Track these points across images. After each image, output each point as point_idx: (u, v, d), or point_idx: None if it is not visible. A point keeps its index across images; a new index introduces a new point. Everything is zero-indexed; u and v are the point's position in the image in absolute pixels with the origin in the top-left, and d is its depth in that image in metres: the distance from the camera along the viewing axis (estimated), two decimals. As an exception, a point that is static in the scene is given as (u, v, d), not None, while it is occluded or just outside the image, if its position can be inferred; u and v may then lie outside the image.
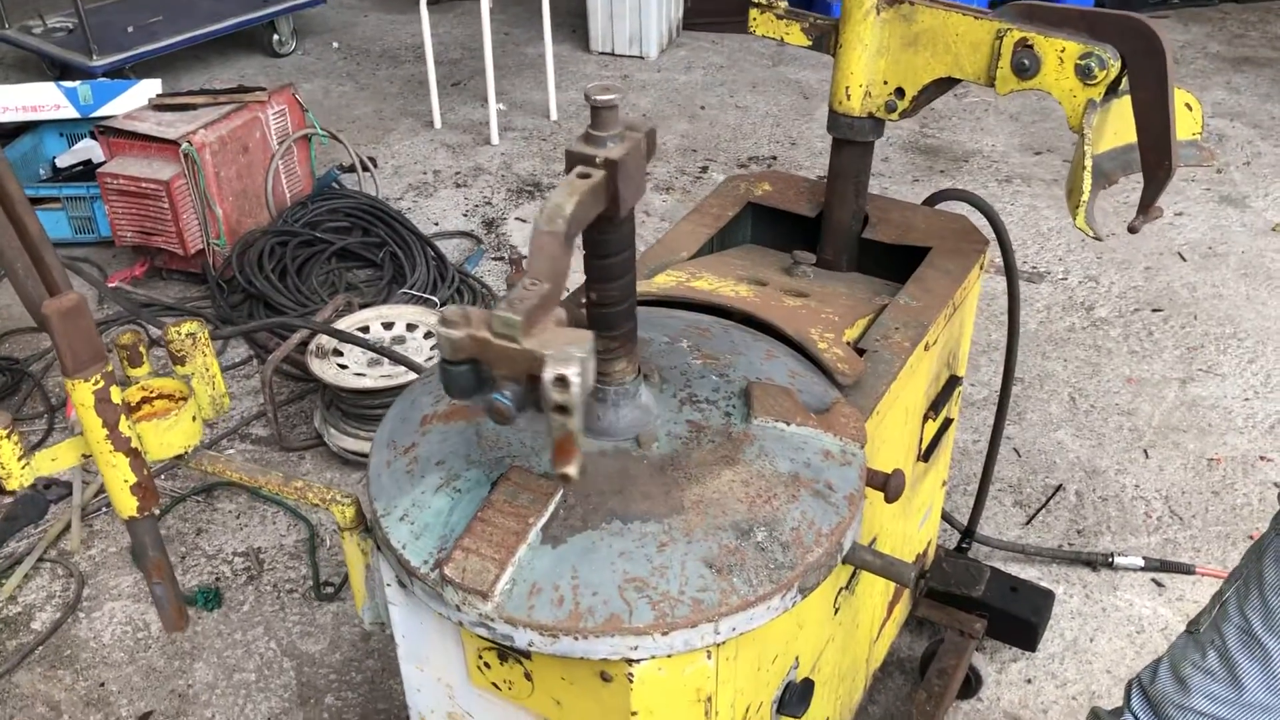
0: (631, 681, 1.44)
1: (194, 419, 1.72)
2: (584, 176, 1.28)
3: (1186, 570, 3.15)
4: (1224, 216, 5.04)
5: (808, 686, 1.82)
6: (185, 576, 3.16)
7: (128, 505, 1.68)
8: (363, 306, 3.85)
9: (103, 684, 2.86)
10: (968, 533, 3.02)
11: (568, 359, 1.14)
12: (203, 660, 2.92)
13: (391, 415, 1.73)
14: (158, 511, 3.38)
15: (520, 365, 1.18)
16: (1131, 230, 1.90)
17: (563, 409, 1.16)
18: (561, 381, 1.13)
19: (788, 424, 1.62)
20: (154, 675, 2.88)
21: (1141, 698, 1.88)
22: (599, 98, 1.28)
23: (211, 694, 2.83)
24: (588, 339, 1.16)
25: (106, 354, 1.54)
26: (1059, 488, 3.47)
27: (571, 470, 1.22)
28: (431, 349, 3.58)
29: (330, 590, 3.11)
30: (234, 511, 3.40)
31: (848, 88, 2.04)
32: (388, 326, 3.67)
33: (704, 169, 5.55)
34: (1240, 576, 1.72)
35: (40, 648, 2.95)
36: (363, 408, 3.46)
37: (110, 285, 4.49)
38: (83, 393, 1.53)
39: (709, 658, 1.46)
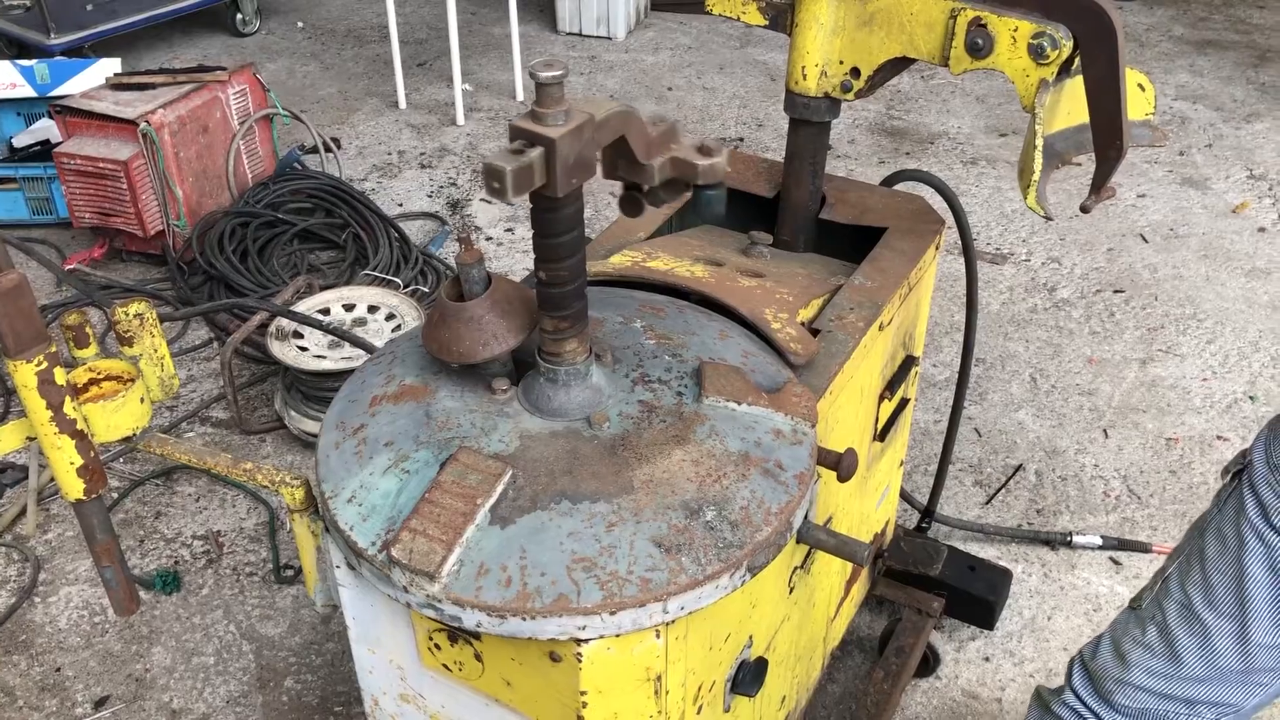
0: (580, 661, 1.44)
1: (142, 400, 1.70)
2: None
3: (1143, 549, 3.18)
4: (1185, 198, 5.08)
5: (761, 665, 1.83)
6: (144, 560, 3.14)
7: (74, 488, 1.66)
8: (324, 288, 3.82)
9: (59, 669, 2.84)
10: (927, 512, 3.04)
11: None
12: (161, 644, 2.90)
13: (341, 396, 1.71)
14: (115, 495, 3.34)
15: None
16: (1084, 210, 1.91)
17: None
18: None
19: (739, 403, 1.62)
20: (111, 660, 2.86)
21: (1083, 673, 1.89)
22: (544, 74, 1.27)
23: (170, 678, 2.82)
24: None
25: (50, 335, 1.52)
26: (1019, 468, 3.50)
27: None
28: (393, 331, 3.56)
29: (290, 573, 3.09)
30: (193, 495, 3.37)
31: (804, 67, 2.03)
32: (349, 308, 3.64)
33: (670, 150, 5.52)
34: (1182, 553, 1.73)
35: (-5, 633, 2.93)
36: (323, 390, 3.43)
37: (68, 267, 4.43)
38: (25, 374, 1.52)
39: (658, 637, 1.46)
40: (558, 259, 1.48)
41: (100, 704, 2.76)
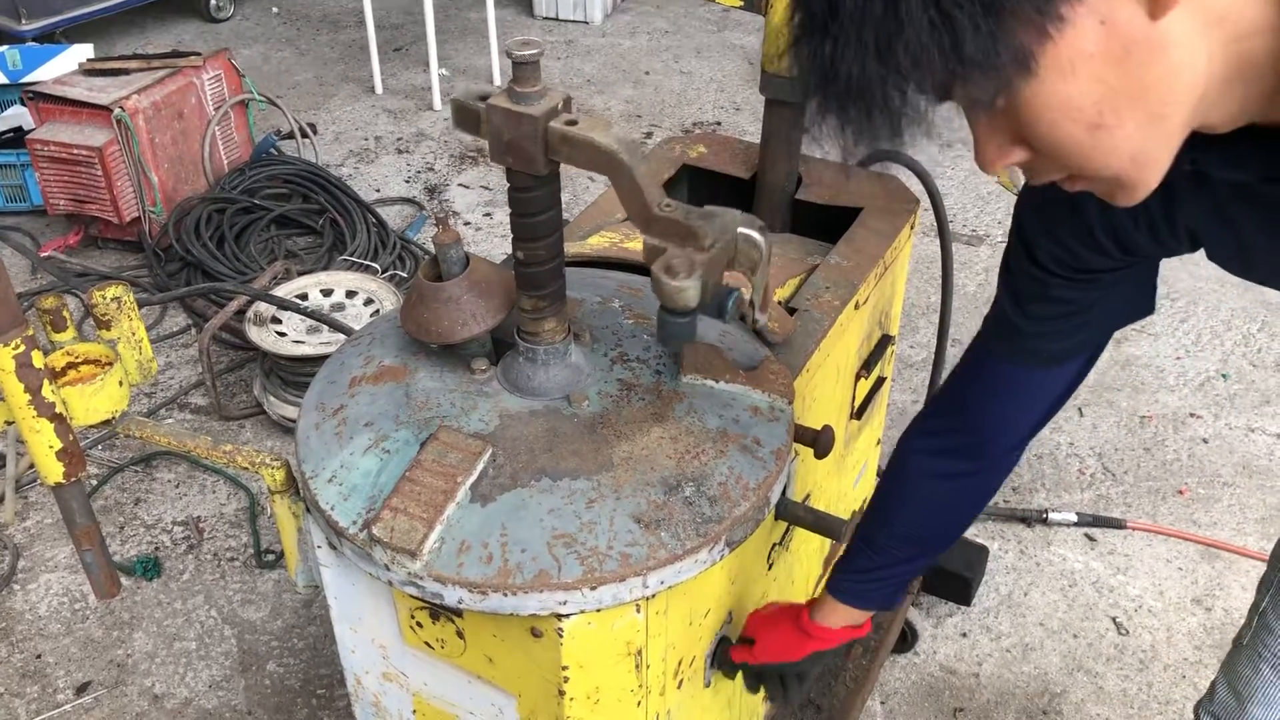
0: (561, 636, 1.45)
1: (120, 384, 1.70)
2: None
3: (1118, 525, 3.22)
4: (1159, 179, 5.11)
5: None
6: (124, 547, 3.14)
7: (54, 471, 1.66)
8: (302, 273, 3.82)
9: (39, 656, 2.83)
10: (905, 491, 3.06)
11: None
12: (142, 630, 2.90)
13: (320, 378, 1.72)
14: (94, 482, 3.33)
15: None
16: (1056, 188, 1.93)
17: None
18: None
19: (717, 381, 1.63)
20: (92, 646, 2.86)
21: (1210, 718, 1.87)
22: (517, 52, 1.28)
23: (151, 663, 2.82)
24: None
25: (26, 318, 1.52)
26: (996, 446, 3.52)
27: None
28: (371, 316, 3.56)
29: (271, 558, 3.09)
30: (173, 481, 3.37)
31: (779, 47, 2.04)
32: (327, 294, 3.64)
33: (649, 135, 5.53)
34: (1272, 585, 1.67)
35: (-25, 621, 2.92)
36: (302, 375, 3.43)
37: (43, 255, 4.40)
38: (2, 358, 1.51)
39: (638, 611, 1.48)
40: (534, 238, 1.49)
41: (82, 690, 2.76)
